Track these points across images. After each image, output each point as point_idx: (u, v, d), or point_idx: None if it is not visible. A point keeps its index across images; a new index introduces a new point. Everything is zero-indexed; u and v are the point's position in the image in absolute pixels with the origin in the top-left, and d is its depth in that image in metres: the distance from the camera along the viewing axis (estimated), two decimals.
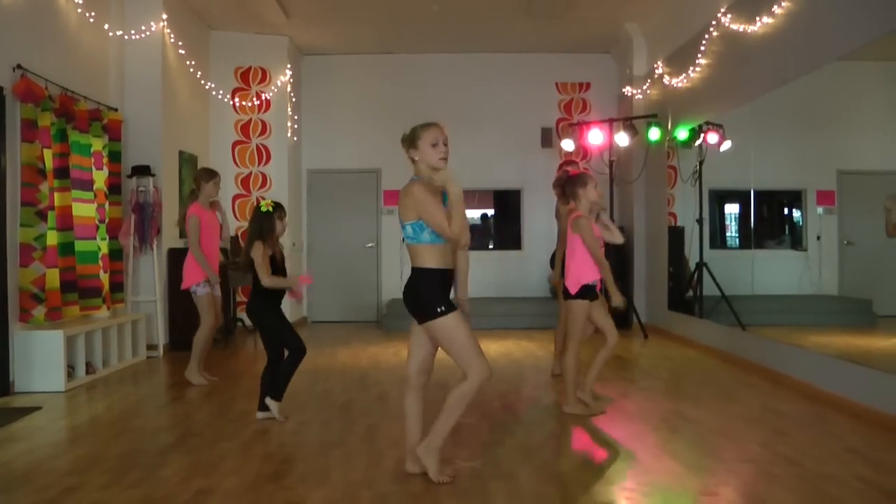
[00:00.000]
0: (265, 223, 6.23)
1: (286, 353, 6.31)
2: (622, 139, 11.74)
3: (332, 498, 4.40)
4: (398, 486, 4.59)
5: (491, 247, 14.18)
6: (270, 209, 6.26)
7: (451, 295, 4.65)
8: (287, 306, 6.56)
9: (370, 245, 13.80)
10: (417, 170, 4.63)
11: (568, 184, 6.51)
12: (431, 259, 4.54)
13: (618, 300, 6.28)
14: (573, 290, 6.37)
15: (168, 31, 10.35)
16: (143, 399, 7.47)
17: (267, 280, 6.18)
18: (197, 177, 8.15)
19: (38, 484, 4.70)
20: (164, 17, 10.12)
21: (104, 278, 8.96)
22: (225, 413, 6.66)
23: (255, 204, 6.45)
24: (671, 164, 11.16)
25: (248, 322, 11.54)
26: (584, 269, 6.35)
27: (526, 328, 12.35)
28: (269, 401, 6.29)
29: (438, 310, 4.50)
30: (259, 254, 6.16)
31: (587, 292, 6.37)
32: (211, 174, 8.08)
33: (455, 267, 4.70)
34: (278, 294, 6.34)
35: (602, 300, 6.58)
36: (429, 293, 4.53)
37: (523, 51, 13.49)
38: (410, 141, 4.61)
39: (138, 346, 9.48)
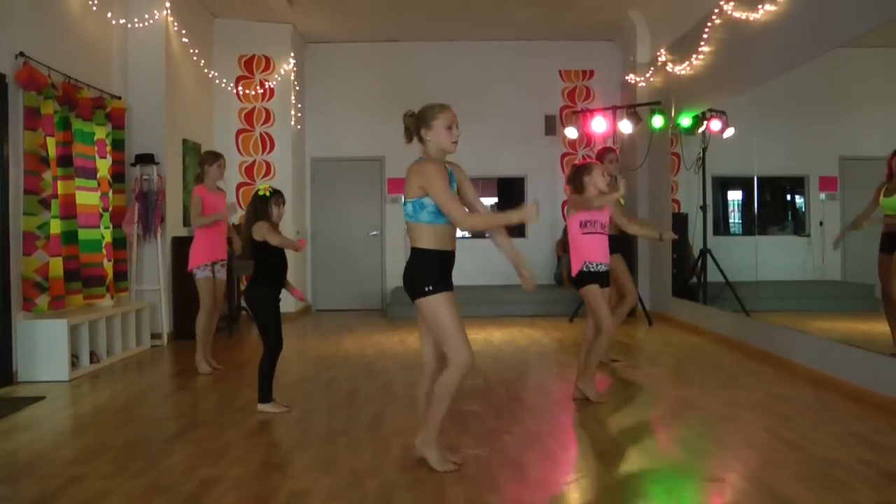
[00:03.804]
0: (260, 207, 6.20)
1: (273, 343, 6.22)
2: (626, 126, 11.74)
3: (337, 486, 4.40)
4: (404, 473, 4.59)
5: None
6: (268, 194, 6.25)
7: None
8: (289, 295, 6.54)
9: (374, 233, 13.80)
10: (426, 150, 4.58)
11: (574, 176, 6.46)
12: (428, 239, 4.50)
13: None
14: (574, 271, 6.33)
15: (171, 19, 10.33)
16: (147, 388, 7.48)
17: (276, 239, 6.12)
18: (201, 160, 8.13)
19: (42, 473, 4.71)
20: (168, 4, 10.10)
21: (108, 267, 8.96)
22: (230, 402, 6.66)
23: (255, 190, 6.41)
24: (675, 152, 11.14)
25: None
26: (583, 253, 6.28)
27: (530, 316, 12.34)
28: (261, 406, 6.20)
29: (426, 289, 4.48)
30: (264, 229, 6.10)
31: (592, 277, 6.31)
32: (215, 157, 8.08)
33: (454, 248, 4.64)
34: (278, 285, 6.29)
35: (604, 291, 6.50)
36: (421, 272, 4.51)
37: (527, 38, 13.45)
38: (424, 119, 4.54)
39: (142, 334, 9.49)
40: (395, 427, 5.66)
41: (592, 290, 6.28)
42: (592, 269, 6.27)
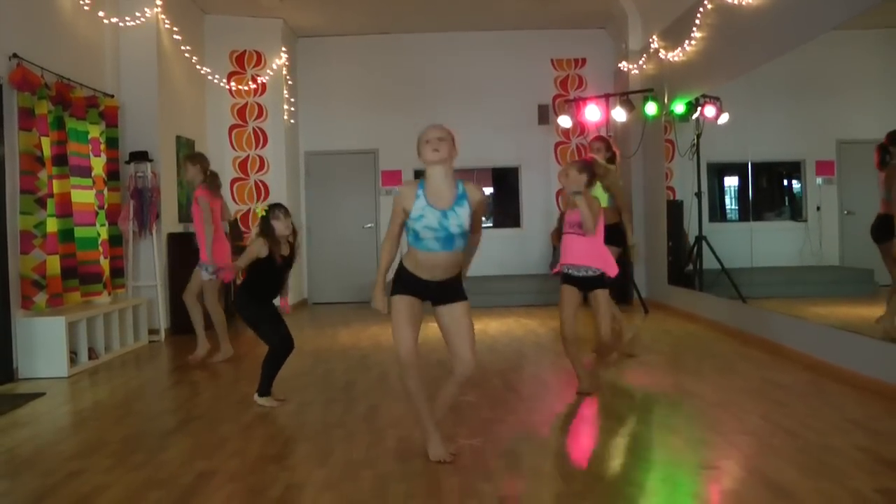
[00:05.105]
0: (264, 227, 6.24)
1: (280, 342, 6.33)
2: (619, 114, 11.71)
3: (333, 478, 4.42)
4: (399, 465, 4.61)
5: (490, 225, 14.19)
6: (265, 213, 6.29)
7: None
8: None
9: (369, 225, 13.80)
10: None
11: None
12: (408, 259, 4.62)
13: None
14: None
15: (162, 16, 10.31)
16: (145, 383, 7.51)
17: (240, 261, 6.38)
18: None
19: (42, 468, 4.73)
20: (158, 2, 10.09)
21: (104, 264, 8.97)
22: (227, 396, 6.69)
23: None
24: (669, 139, 11.14)
25: None
26: (564, 255, 6.31)
27: (526, 305, 12.37)
28: (257, 398, 6.23)
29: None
30: (253, 248, 6.23)
31: (567, 279, 6.30)
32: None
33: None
34: (262, 297, 6.37)
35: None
36: (394, 278, 4.67)
37: (518, 28, 13.43)
38: (418, 150, 4.58)
39: (140, 330, 9.51)
40: (390, 419, 5.67)
41: (561, 292, 6.32)
42: (567, 272, 6.31)
